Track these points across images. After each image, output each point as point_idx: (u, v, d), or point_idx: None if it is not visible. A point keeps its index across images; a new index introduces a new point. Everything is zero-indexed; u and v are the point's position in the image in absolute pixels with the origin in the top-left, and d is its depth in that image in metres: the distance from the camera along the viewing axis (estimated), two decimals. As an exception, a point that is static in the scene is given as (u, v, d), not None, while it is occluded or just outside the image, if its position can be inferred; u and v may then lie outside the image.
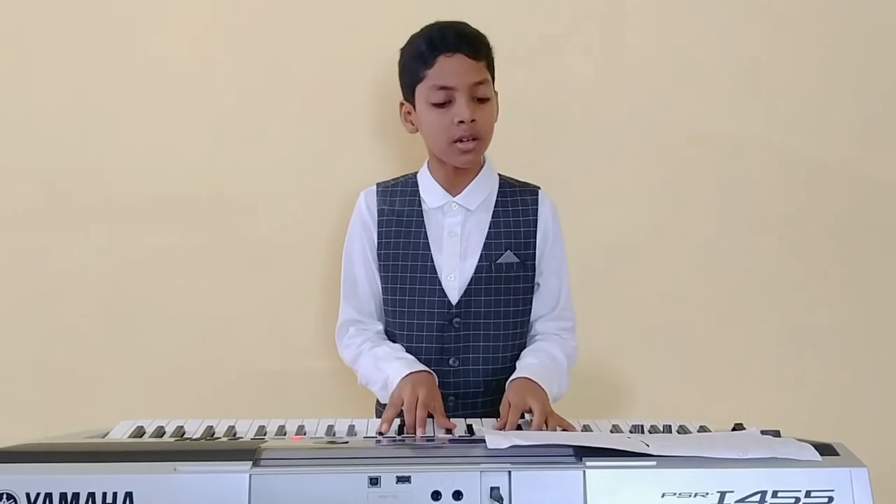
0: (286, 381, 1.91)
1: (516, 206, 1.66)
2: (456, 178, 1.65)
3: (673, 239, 1.98)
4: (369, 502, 1.12)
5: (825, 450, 1.19)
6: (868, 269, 2.03)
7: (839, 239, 2.02)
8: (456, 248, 1.63)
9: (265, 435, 1.35)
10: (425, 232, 1.64)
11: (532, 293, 1.66)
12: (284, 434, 1.35)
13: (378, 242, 1.65)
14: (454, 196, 1.65)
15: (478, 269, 1.62)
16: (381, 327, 1.69)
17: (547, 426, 1.40)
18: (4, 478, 1.11)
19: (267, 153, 1.92)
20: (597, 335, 1.91)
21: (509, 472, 1.14)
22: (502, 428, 1.40)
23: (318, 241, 1.89)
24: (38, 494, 1.10)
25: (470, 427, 1.45)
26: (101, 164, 1.90)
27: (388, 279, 1.65)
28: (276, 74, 1.91)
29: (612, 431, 1.39)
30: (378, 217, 1.66)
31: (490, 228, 1.64)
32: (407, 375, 1.52)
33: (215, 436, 1.35)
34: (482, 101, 1.59)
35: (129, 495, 1.10)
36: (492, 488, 1.13)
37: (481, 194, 1.65)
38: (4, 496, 1.11)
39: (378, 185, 1.70)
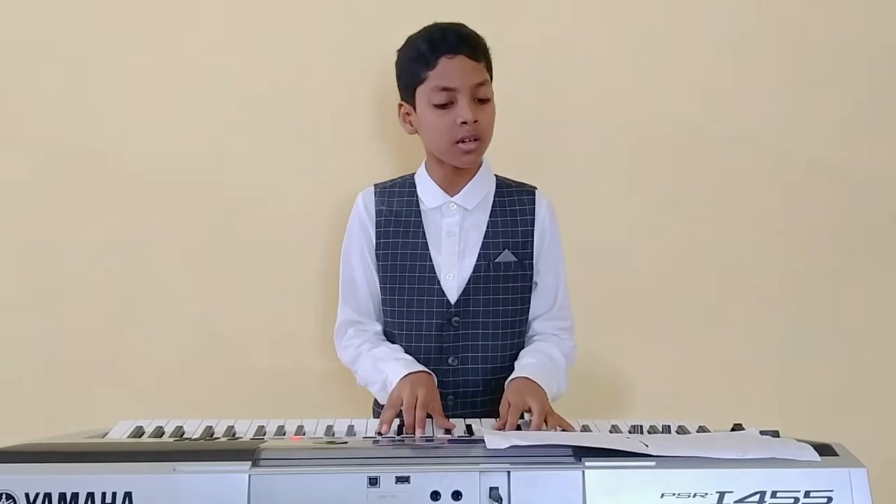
0: (285, 381, 1.91)
1: (513, 205, 1.67)
2: (454, 178, 1.65)
3: (673, 239, 1.99)
4: (368, 502, 1.12)
5: (824, 450, 1.19)
6: (868, 268, 2.03)
7: (839, 239, 2.02)
8: (454, 247, 1.63)
9: (264, 435, 1.35)
10: (423, 232, 1.64)
11: (530, 292, 1.67)
12: (284, 434, 1.35)
13: (376, 243, 1.66)
14: (452, 196, 1.65)
15: (476, 269, 1.62)
16: (379, 328, 1.69)
17: (546, 425, 1.41)
18: (4, 478, 1.11)
19: (267, 154, 1.92)
20: (596, 335, 1.91)
21: (508, 472, 1.14)
22: (502, 428, 1.41)
23: (317, 241, 1.90)
24: (37, 494, 1.10)
25: (469, 427, 1.45)
26: (101, 164, 1.90)
27: (387, 279, 1.65)
28: (276, 76, 1.91)
29: (611, 431, 1.39)
30: (376, 217, 1.66)
31: (488, 228, 1.64)
32: (406, 376, 1.52)
33: (214, 436, 1.35)
34: (483, 101, 1.59)
35: (128, 495, 1.11)
36: (491, 488, 1.13)
37: (479, 194, 1.66)
38: (4, 496, 1.11)
39: (376, 185, 1.71)
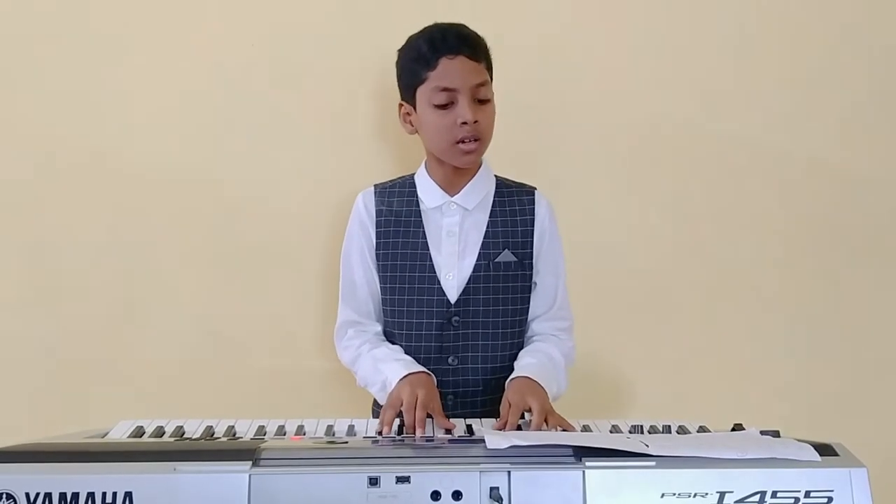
0: (285, 381, 1.91)
1: (513, 205, 1.67)
2: (454, 178, 1.66)
3: (673, 238, 1.99)
4: (369, 502, 1.12)
5: (824, 450, 1.19)
6: (868, 268, 2.03)
7: (839, 239, 2.02)
8: (454, 247, 1.64)
9: (265, 435, 1.35)
10: (424, 231, 1.64)
11: (530, 292, 1.67)
12: (284, 434, 1.35)
13: (377, 242, 1.66)
14: (452, 196, 1.65)
15: (476, 268, 1.62)
16: (379, 328, 1.69)
17: (547, 425, 1.41)
18: (4, 478, 1.11)
19: (267, 154, 1.92)
20: (596, 335, 1.91)
21: (509, 472, 1.14)
22: (502, 428, 1.41)
23: (317, 241, 1.90)
24: (37, 494, 1.10)
25: (469, 427, 1.45)
26: (101, 164, 1.90)
27: (387, 279, 1.65)
28: (276, 75, 1.91)
29: (611, 431, 1.39)
30: (376, 217, 1.66)
31: (488, 228, 1.65)
32: (405, 376, 1.52)
33: (215, 436, 1.35)
34: (483, 102, 1.60)
35: (128, 495, 1.11)
36: (491, 488, 1.13)
37: (479, 194, 1.66)
38: (4, 496, 1.11)
39: (376, 186, 1.71)
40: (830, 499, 1.13)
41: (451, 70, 1.57)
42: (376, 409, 1.67)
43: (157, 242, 1.91)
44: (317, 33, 1.91)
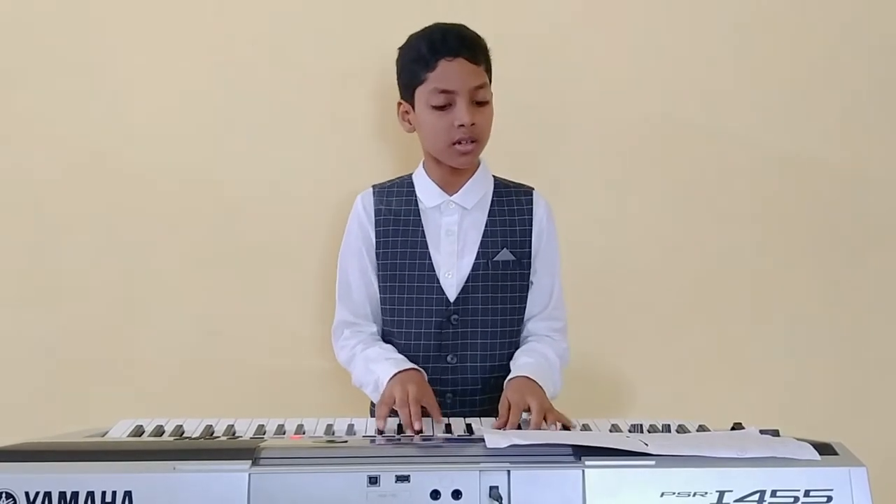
0: (285, 380, 1.91)
1: (511, 205, 1.67)
2: (452, 177, 1.66)
3: (672, 238, 1.98)
4: (368, 501, 1.12)
5: (824, 449, 1.19)
6: (868, 268, 2.03)
7: (839, 239, 2.02)
8: (453, 246, 1.64)
9: (264, 434, 1.35)
10: (423, 231, 1.65)
11: (528, 291, 1.67)
12: (283, 433, 1.35)
13: (376, 242, 1.66)
14: (451, 195, 1.66)
15: (475, 267, 1.63)
16: (375, 329, 1.69)
17: (546, 422, 1.41)
18: (4, 477, 1.11)
19: (267, 154, 1.92)
20: (596, 335, 1.92)
21: (508, 471, 1.14)
22: (502, 427, 1.41)
23: (317, 241, 1.89)
24: (37, 494, 1.10)
25: (469, 426, 1.45)
26: (101, 163, 1.90)
27: (387, 278, 1.65)
28: (276, 75, 1.91)
29: (611, 431, 1.39)
30: (375, 217, 1.67)
31: (486, 227, 1.65)
32: (395, 374, 1.52)
33: (214, 435, 1.35)
34: (481, 104, 1.60)
35: (128, 494, 1.11)
36: (491, 487, 1.13)
37: (477, 193, 1.66)
38: (4, 495, 1.11)
39: (374, 186, 1.71)
40: (830, 498, 1.13)
41: (449, 72, 1.57)
42: (374, 409, 1.67)
43: (157, 242, 1.91)
44: (317, 33, 1.91)
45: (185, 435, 1.34)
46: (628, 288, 1.98)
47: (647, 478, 1.13)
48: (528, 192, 1.70)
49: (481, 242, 1.64)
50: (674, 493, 1.13)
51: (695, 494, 1.13)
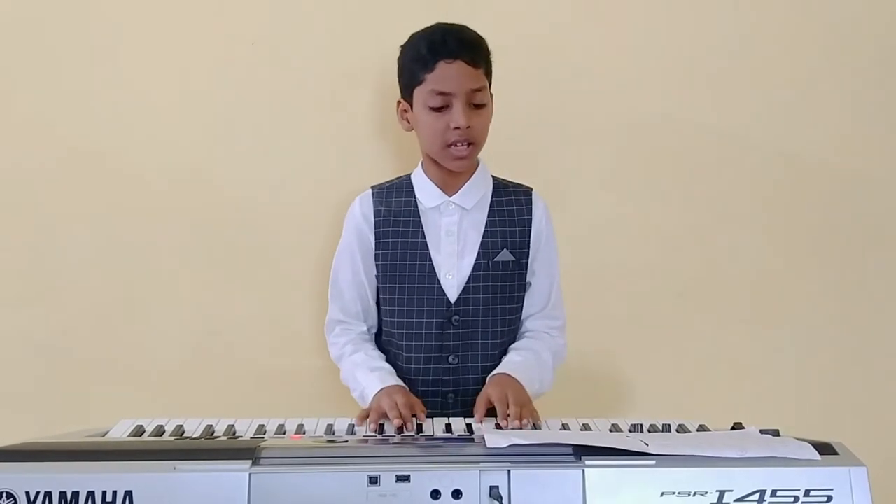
0: (285, 380, 1.91)
1: (511, 205, 1.67)
2: (451, 178, 1.66)
3: (672, 238, 1.98)
4: (369, 501, 1.12)
5: (824, 449, 1.19)
6: (868, 268, 2.03)
7: (840, 239, 2.02)
8: (453, 246, 1.64)
9: (265, 434, 1.35)
10: (423, 231, 1.65)
11: (526, 291, 1.68)
12: (284, 433, 1.35)
13: (376, 243, 1.66)
14: (450, 196, 1.66)
15: (475, 268, 1.63)
16: (365, 327, 1.70)
17: (520, 420, 1.42)
18: (4, 477, 1.11)
19: (267, 154, 1.92)
20: (596, 335, 1.91)
21: (508, 471, 1.14)
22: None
23: (317, 240, 1.89)
24: (37, 493, 1.11)
25: (469, 426, 1.45)
26: (101, 164, 1.90)
27: (387, 279, 1.65)
28: (276, 75, 1.91)
29: (611, 431, 1.39)
30: (375, 219, 1.67)
31: (486, 227, 1.65)
32: (381, 390, 1.53)
33: (215, 435, 1.35)
34: (478, 106, 1.60)
35: (128, 494, 1.11)
36: (491, 487, 1.13)
37: (477, 194, 1.66)
38: (4, 495, 1.11)
39: (373, 188, 1.71)
40: (830, 497, 1.13)
41: (447, 74, 1.57)
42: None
43: (156, 242, 1.91)
44: (317, 33, 1.91)
45: (185, 435, 1.34)
46: (628, 288, 1.98)
47: (647, 478, 1.14)
48: (527, 192, 1.70)
49: (481, 243, 1.64)
50: (674, 493, 1.13)
51: (695, 494, 1.13)
